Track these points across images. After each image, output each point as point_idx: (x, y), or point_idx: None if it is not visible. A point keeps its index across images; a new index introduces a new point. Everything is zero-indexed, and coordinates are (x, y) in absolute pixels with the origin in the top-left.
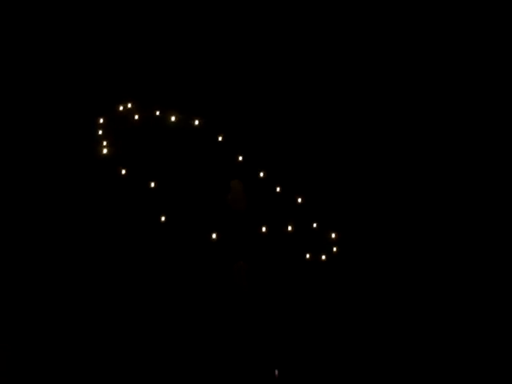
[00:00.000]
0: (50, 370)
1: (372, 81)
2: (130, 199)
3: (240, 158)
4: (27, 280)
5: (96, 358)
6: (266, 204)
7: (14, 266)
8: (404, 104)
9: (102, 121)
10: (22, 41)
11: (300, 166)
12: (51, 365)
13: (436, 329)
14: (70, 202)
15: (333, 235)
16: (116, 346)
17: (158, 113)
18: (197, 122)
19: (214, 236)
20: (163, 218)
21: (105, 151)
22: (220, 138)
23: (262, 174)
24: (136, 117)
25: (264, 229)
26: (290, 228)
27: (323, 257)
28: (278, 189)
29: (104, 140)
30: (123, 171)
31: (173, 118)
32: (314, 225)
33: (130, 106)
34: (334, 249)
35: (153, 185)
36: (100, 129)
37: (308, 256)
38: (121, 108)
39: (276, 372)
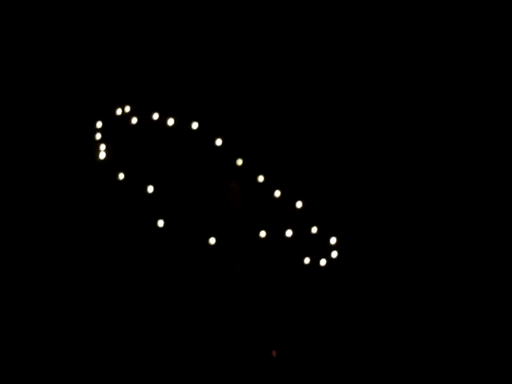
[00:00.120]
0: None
1: (371, 87)
2: (127, 204)
3: (239, 162)
4: (24, 285)
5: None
6: (265, 208)
7: (12, 270)
8: (404, 111)
9: (99, 125)
10: (19, 45)
11: (300, 170)
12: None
13: (436, 336)
14: (67, 206)
15: (333, 240)
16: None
17: (156, 116)
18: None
19: (212, 241)
20: (161, 223)
21: (103, 155)
22: (219, 142)
23: (261, 178)
24: (134, 120)
25: (263, 233)
26: (289, 232)
27: (322, 262)
28: (277, 193)
29: (102, 144)
30: (121, 175)
31: (171, 122)
32: (314, 229)
33: (128, 109)
34: (334, 254)
35: (151, 189)
36: (98, 133)
37: (307, 261)
38: (119, 112)
39: (273, 352)
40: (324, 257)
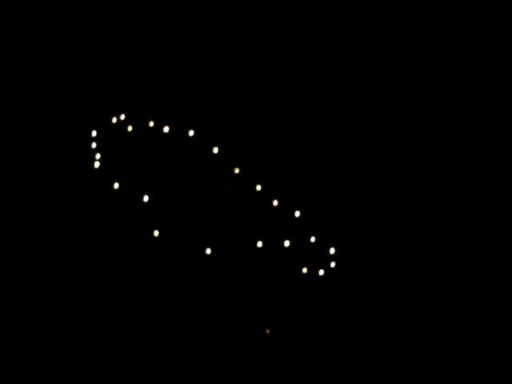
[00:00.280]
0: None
1: (367, 100)
2: (123, 213)
3: (236, 171)
4: (19, 294)
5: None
6: (263, 218)
7: (7, 279)
8: (402, 119)
9: (95, 133)
10: (14, 54)
11: (298, 179)
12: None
13: (433, 347)
14: (62, 215)
15: (331, 250)
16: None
17: (151, 124)
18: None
19: (208, 251)
20: (156, 233)
21: (97, 164)
22: (215, 150)
23: (258, 188)
24: (129, 128)
25: (260, 243)
26: (287, 242)
27: (321, 272)
28: (275, 202)
29: (97, 153)
30: (116, 185)
31: (167, 130)
32: (312, 239)
33: (123, 117)
34: (333, 264)
35: (146, 199)
36: (93, 142)
37: (305, 270)
38: (114, 120)
39: (267, 331)
40: (322, 267)
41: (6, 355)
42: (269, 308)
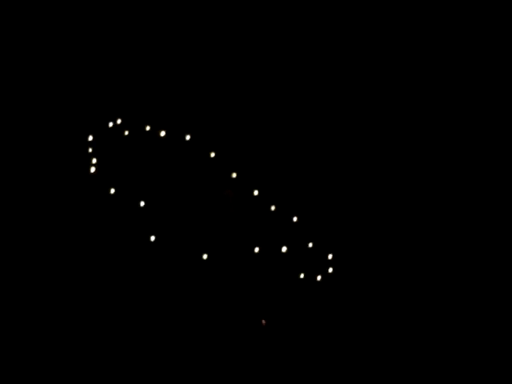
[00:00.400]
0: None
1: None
2: (119, 218)
3: (234, 176)
4: (17, 299)
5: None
6: (261, 223)
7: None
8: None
9: (91, 138)
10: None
11: (296, 185)
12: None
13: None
14: (58, 220)
15: (329, 256)
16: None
17: (148, 128)
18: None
19: (205, 256)
20: (153, 238)
21: (94, 169)
22: (212, 155)
23: (256, 193)
24: (126, 133)
25: (257, 249)
26: (284, 248)
27: (318, 277)
28: (272, 208)
29: (93, 158)
30: (112, 190)
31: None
32: (310, 245)
33: (119, 122)
34: (330, 269)
35: (142, 204)
36: (90, 147)
37: (302, 276)
38: (110, 125)
39: (263, 321)
40: (320, 272)
41: (6, 355)
42: (266, 313)
